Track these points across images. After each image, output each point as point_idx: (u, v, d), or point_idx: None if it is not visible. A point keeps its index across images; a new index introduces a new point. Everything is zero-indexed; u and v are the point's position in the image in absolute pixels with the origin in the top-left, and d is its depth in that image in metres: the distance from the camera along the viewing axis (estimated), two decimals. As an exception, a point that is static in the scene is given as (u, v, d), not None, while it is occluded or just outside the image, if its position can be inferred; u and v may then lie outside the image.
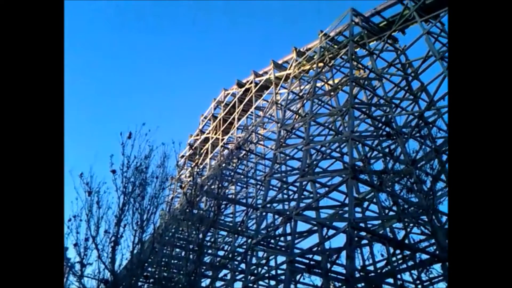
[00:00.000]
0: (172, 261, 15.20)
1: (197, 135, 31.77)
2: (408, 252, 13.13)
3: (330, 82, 20.12)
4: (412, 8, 17.68)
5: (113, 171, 9.78)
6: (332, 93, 19.60)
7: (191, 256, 11.08)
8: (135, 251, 9.52)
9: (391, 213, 14.10)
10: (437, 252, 11.93)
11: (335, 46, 20.57)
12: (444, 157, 14.81)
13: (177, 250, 16.56)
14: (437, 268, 12.10)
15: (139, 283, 10.94)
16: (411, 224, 13.54)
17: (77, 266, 8.83)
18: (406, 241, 13.59)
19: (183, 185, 15.65)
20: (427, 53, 16.93)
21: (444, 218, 13.14)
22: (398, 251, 13.52)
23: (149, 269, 12.65)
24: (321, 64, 20.13)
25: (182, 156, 30.41)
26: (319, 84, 20.06)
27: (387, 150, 15.54)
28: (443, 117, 15.92)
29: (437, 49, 16.20)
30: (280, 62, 24.76)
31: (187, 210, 11.95)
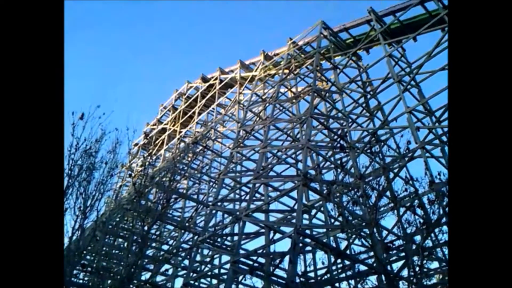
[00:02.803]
0: (113, 251, 14.73)
1: (154, 124, 31.00)
2: (348, 262, 13.65)
3: (293, 89, 20.49)
4: (378, 30, 18.46)
5: (60, 152, 9.31)
6: (294, 101, 19.98)
7: (133, 247, 10.79)
8: (74, 238, 9.13)
9: (336, 223, 14.59)
10: (374, 264, 12.49)
11: (302, 56, 21.00)
12: (391, 175, 15.57)
13: (120, 240, 16.06)
14: (372, 279, 12.68)
15: (75, 271, 10.47)
16: (354, 236, 14.07)
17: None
18: (347, 252, 14.11)
19: (133, 174, 15.20)
20: (386, 74, 17.72)
21: (384, 233, 13.82)
22: (339, 260, 14.03)
23: (88, 257, 12.15)
24: (286, 71, 20.44)
25: (136, 144, 29.55)
26: (282, 90, 20.35)
27: (339, 162, 16.06)
28: (395, 137, 16.77)
29: (396, 72, 17.01)
30: (247, 62, 24.84)
31: (135, 200, 11.64)
